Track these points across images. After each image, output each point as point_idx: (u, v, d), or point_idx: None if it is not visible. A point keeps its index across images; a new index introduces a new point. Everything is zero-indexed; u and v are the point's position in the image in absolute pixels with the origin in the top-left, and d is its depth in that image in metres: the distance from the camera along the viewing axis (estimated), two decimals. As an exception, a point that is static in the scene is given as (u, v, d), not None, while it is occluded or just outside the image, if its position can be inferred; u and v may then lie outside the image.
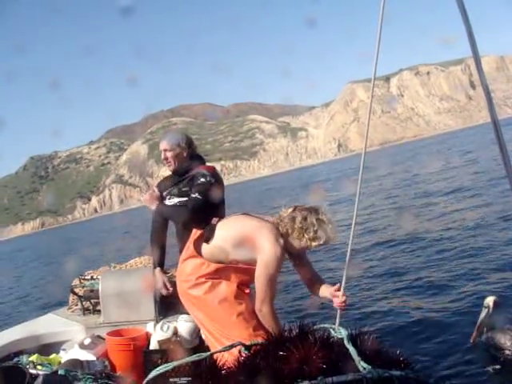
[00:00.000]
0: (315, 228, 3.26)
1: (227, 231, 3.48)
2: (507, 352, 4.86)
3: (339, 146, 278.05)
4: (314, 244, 3.30)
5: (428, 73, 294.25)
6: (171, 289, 4.18)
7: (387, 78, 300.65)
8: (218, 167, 3.97)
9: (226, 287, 3.46)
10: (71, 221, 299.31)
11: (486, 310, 5.18)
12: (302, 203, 3.50)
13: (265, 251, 3.25)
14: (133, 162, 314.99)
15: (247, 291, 3.54)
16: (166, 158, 4.27)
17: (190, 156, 4.29)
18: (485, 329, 5.19)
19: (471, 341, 5.34)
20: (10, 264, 36.85)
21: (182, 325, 4.26)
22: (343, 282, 3.32)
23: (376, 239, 13.19)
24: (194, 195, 3.96)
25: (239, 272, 3.47)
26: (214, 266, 3.47)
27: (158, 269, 4.33)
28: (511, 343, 4.86)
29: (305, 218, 3.29)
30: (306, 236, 3.28)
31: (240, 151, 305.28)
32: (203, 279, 3.48)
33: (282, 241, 3.29)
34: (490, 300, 5.20)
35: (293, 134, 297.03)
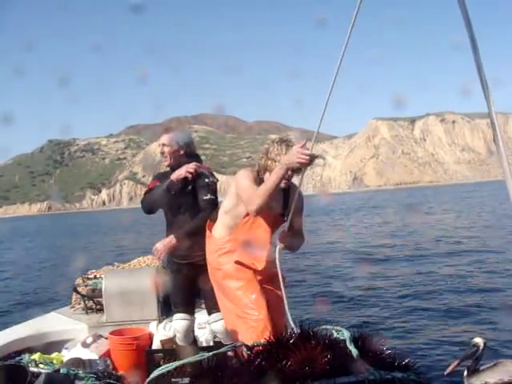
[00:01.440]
0: (275, 148, 3.47)
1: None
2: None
3: (354, 179, 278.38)
4: (278, 161, 3.39)
5: (453, 121, 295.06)
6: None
7: (412, 120, 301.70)
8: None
9: (235, 283, 3.55)
10: (78, 209, 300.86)
11: (475, 348, 5.01)
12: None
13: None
14: (148, 162, 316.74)
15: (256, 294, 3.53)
16: (163, 153, 4.39)
17: (187, 155, 4.38)
18: (465, 372, 5.03)
19: (446, 372, 5.13)
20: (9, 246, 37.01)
21: (178, 323, 4.28)
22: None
23: (383, 253, 13.94)
24: (207, 197, 4.18)
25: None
26: (225, 240, 3.63)
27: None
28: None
29: (268, 147, 3.56)
30: (269, 157, 3.49)
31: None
32: (219, 264, 3.62)
33: (255, 170, 3.55)
34: (480, 341, 5.05)
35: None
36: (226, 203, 3.66)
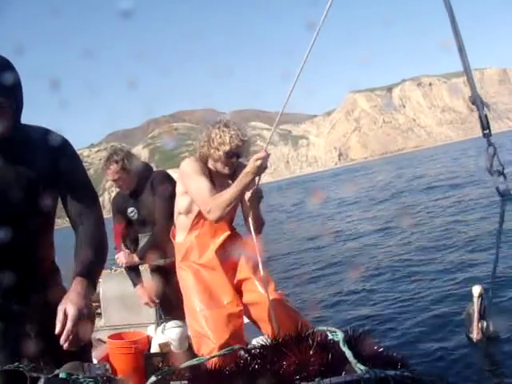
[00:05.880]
0: (217, 136, 3.27)
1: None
2: None
3: (340, 155, 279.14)
4: (222, 150, 3.26)
5: (430, 84, 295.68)
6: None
7: (389, 89, 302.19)
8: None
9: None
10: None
11: (480, 298, 5.04)
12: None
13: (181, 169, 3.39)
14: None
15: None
16: (120, 187, 4.45)
17: (138, 173, 4.40)
18: (476, 321, 5.07)
19: (476, 338, 5.12)
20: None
21: (172, 331, 4.29)
22: None
23: (372, 242, 13.35)
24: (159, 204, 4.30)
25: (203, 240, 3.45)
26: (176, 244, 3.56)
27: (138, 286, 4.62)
28: None
29: (209, 132, 3.34)
30: (212, 145, 3.29)
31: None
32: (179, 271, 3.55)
33: (198, 161, 3.37)
34: (480, 288, 5.10)
35: (294, 141, 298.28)
36: (179, 203, 3.48)
